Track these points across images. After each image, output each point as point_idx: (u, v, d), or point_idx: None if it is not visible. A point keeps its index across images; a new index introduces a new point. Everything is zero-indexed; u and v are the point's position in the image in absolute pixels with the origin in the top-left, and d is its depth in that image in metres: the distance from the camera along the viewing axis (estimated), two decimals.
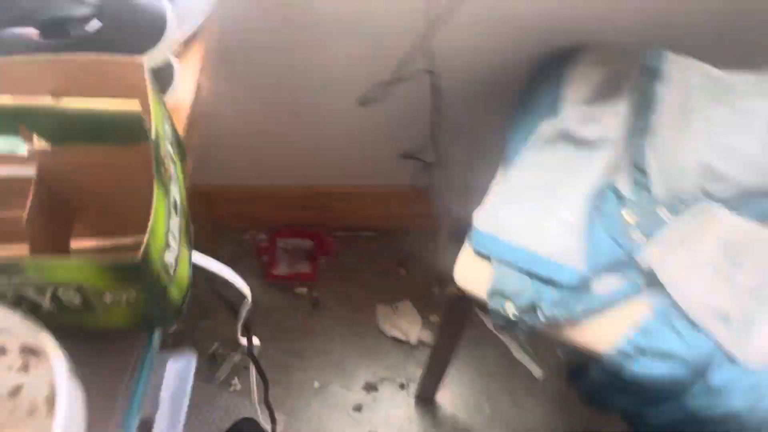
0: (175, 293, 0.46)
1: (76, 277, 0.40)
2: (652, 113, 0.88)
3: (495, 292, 0.81)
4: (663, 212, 0.82)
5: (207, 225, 1.38)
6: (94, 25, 0.53)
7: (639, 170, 0.87)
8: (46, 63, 0.45)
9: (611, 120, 0.89)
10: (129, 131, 0.40)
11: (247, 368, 1.29)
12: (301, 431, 1.21)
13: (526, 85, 0.99)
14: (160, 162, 0.41)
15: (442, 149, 1.22)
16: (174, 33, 0.55)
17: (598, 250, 0.81)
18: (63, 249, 0.48)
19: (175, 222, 0.45)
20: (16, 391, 0.43)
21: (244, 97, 1.14)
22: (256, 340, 0.85)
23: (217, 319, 1.35)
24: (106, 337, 0.48)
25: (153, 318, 0.47)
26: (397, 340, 1.33)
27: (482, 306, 0.83)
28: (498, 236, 0.83)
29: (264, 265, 1.42)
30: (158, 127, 0.42)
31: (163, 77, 0.58)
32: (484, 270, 0.83)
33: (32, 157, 0.43)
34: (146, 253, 0.38)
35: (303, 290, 1.39)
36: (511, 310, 0.80)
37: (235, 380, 1.28)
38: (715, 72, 0.88)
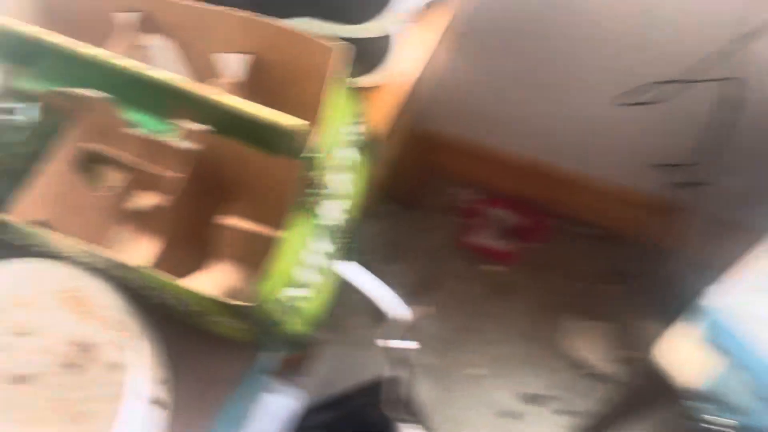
0: (296, 325, 0.39)
1: (193, 298, 0.35)
2: None
3: (713, 396, 0.64)
4: None
5: (416, 171, 1.32)
6: None
7: None
8: (245, 21, 0.39)
9: None
10: (281, 145, 0.32)
11: (413, 328, 1.25)
12: (438, 414, 1.14)
13: None
14: (310, 183, 0.33)
15: (716, 173, 0.99)
16: (400, 5, 0.45)
17: None
18: (205, 221, 0.43)
19: (321, 247, 0.37)
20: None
21: (483, 68, 1.02)
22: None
23: (404, 265, 1.31)
24: (222, 342, 0.43)
25: (265, 344, 0.41)
26: (573, 361, 1.18)
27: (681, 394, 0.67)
28: (746, 335, 0.64)
29: (462, 227, 1.33)
30: (328, 137, 0.34)
31: (375, 51, 0.49)
32: (701, 356, 0.66)
33: (193, 137, 0.39)
34: (259, 298, 0.32)
35: (492, 268, 1.29)
36: (729, 424, 0.63)
37: None
38: None
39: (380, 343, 0.63)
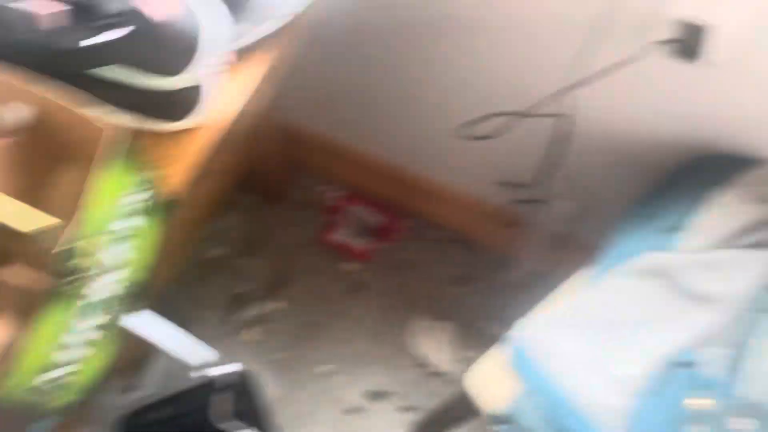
0: (63, 398, 0.38)
1: None
2: None
3: (509, 420, 0.70)
4: (737, 424, 0.66)
5: (280, 165, 1.31)
6: (126, 28, 0.44)
7: (740, 354, 0.69)
8: (24, 87, 0.37)
9: (737, 280, 0.71)
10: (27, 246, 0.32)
11: (263, 323, 1.26)
12: (284, 410, 1.17)
13: (653, 189, 0.81)
14: (68, 273, 0.33)
15: (551, 194, 1.07)
16: (209, 54, 0.45)
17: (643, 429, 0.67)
18: None
19: (89, 323, 0.37)
20: None
21: (345, 72, 1.02)
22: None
23: (261, 258, 1.30)
24: None
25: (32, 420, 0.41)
26: (420, 361, 1.24)
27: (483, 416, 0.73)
28: (542, 366, 0.70)
29: (324, 224, 1.35)
30: (94, 221, 0.34)
31: (185, 100, 0.49)
32: (504, 384, 0.71)
33: None
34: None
35: (351, 267, 1.31)
36: None
37: (248, 331, 1.25)
38: None
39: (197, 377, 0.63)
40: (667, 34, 0.72)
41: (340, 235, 1.33)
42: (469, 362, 1.21)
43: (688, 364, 0.68)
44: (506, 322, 0.76)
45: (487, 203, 1.21)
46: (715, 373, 0.69)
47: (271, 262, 1.30)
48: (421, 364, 1.23)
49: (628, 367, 0.68)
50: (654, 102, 0.84)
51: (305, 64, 1.09)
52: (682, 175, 0.81)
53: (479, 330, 1.26)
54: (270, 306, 1.27)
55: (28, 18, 0.42)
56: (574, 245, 1.04)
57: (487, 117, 0.89)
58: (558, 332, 0.71)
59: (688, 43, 0.70)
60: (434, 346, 1.24)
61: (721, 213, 0.74)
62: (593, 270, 0.77)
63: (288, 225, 1.35)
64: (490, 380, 0.73)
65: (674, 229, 0.74)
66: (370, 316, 1.27)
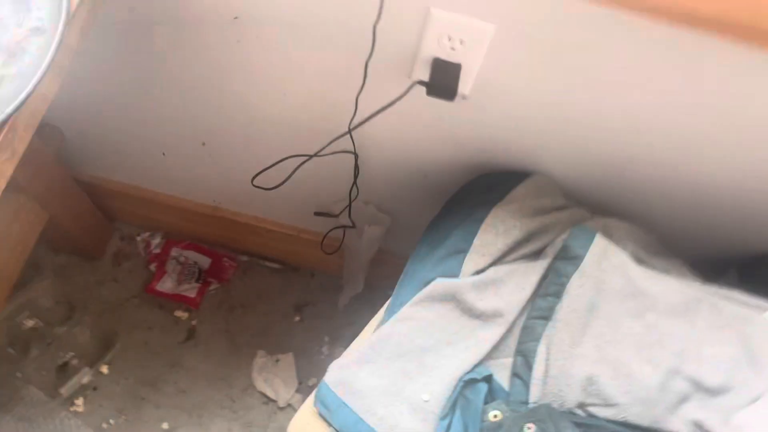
0: None
1: None
2: (559, 301, 0.76)
3: None
4: (529, 429, 0.72)
5: (91, 220, 1.25)
6: None
7: (525, 362, 0.76)
8: None
9: (514, 294, 0.77)
10: None
11: (96, 389, 1.20)
12: None
13: (440, 214, 0.86)
14: None
15: (358, 221, 1.10)
16: None
17: None
18: None
19: None
20: None
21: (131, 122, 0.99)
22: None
23: (82, 323, 1.24)
24: None
25: None
26: (266, 397, 1.23)
27: None
28: (347, 402, 0.73)
29: (150, 273, 1.30)
30: None
31: None
32: (317, 424, 0.73)
33: None
34: None
35: (183, 314, 1.28)
36: None
37: (80, 400, 1.19)
38: (639, 276, 0.76)
39: None
40: (425, 74, 0.76)
41: (167, 284, 1.29)
42: (309, 390, 1.24)
43: (481, 380, 0.74)
44: (343, 343, 0.79)
45: (309, 231, 1.23)
46: (506, 384, 0.75)
47: (95, 324, 1.24)
48: (269, 400, 1.23)
49: (428, 393, 0.72)
50: (425, 132, 0.89)
51: (91, 117, 1.05)
52: (463, 198, 0.87)
53: (320, 354, 1.28)
54: (100, 370, 1.21)
55: None
56: (390, 263, 1.09)
57: (280, 161, 0.91)
58: (361, 369, 0.74)
59: (444, 81, 0.75)
60: (279, 380, 1.24)
61: (498, 230, 0.80)
62: (393, 301, 0.80)
63: (109, 281, 1.29)
64: (308, 427, 0.74)
65: (460, 252, 0.80)
66: (210, 361, 1.25)
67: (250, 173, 0.94)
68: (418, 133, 0.90)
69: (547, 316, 0.76)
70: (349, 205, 1.04)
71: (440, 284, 0.77)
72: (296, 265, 1.34)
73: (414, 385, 0.73)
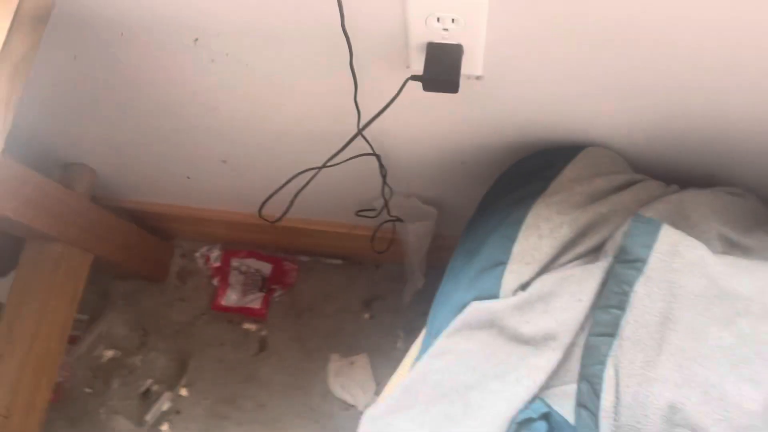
0: None
1: None
2: (624, 313, 0.62)
3: None
4: None
5: (147, 243, 1.23)
6: None
7: (591, 389, 0.63)
8: None
9: (568, 308, 0.64)
10: None
11: (179, 413, 1.21)
12: None
13: (472, 220, 0.74)
14: None
15: (404, 215, 1.00)
16: None
17: None
18: None
19: None
20: None
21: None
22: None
23: (157, 348, 1.24)
24: None
25: None
26: (345, 403, 1.18)
27: None
28: None
29: (214, 288, 1.28)
30: None
31: None
32: None
33: None
34: None
35: (252, 326, 1.25)
36: None
37: (166, 426, 1.20)
38: (724, 274, 0.60)
39: None
40: (421, 63, 0.63)
41: (231, 297, 1.26)
42: None
43: (538, 419, 0.62)
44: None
45: (361, 227, 1.14)
46: (570, 416, 0.63)
47: (169, 347, 1.24)
48: (349, 406, 1.18)
49: None
50: (448, 119, 0.76)
51: (113, 151, 1.01)
52: (500, 192, 0.74)
53: (395, 351, 1.21)
54: (179, 393, 1.21)
55: None
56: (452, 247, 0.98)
57: (286, 183, 0.81)
58: (396, 418, 0.65)
59: (443, 70, 0.62)
60: (356, 385, 1.19)
61: (541, 232, 0.67)
62: (428, 330, 0.70)
63: (176, 301, 1.28)
64: None
65: (497, 264, 0.67)
66: (284, 371, 1.21)
67: (275, 183, 0.85)
68: (440, 122, 0.77)
69: (611, 333, 0.63)
70: (386, 204, 0.94)
71: (476, 309, 0.65)
72: (359, 259, 1.26)
73: (459, 431, 0.63)
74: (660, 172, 0.77)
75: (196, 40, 0.67)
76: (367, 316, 1.24)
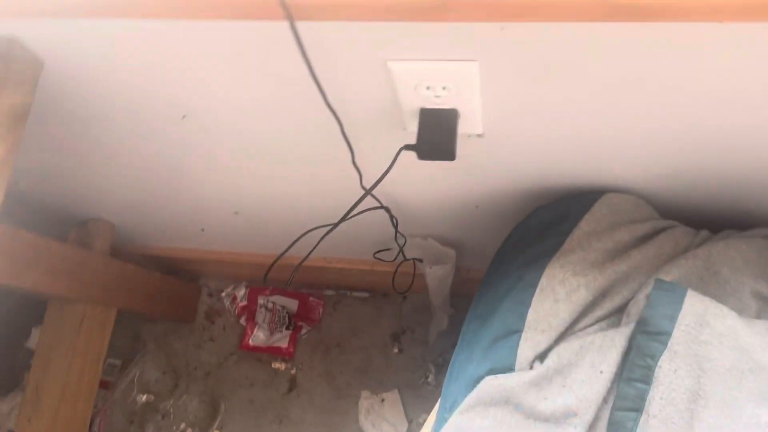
0: None
1: None
2: (649, 388, 0.58)
3: None
4: None
5: (173, 286, 1.23)
6: None
7: None
8: None
9: (588, 380, 0.60)
10: None
11: None
12: None
13: (490, 269, 0.70)
14: None
15: (424, 255, 0.96)
16: None
17: None
18: None
19: None
20: None
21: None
22: None
23: (189, 390, 1.24)
24: None
25: None
26: None
27: None
28: None
29: (242, 328, 1.27)
30: None
31: None
32: None
33: None
34: None
35: (281, 365, 1.24)
36: None
37: None
38: (757, 345, 0.55)
39: None
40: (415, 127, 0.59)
41: (259, 336, 1.24)
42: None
43: None
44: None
45: (382, 263, 1.11)
46: None
47: (201, 389, 1.23)
48: None
49: None
50: (455, 171, 0.72)
51: (129, 206, 1.00)
52: (512, 250, 0.69)
53: (426, 386, 1.18)
54: None
55: None
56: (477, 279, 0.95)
57: (287, 249, 0.79)
58: None
59: (438, 136, 0.58)
60: (387, 424, 1.16)
61: (557, 296, 0.63)
62: (442, 404, 0.67)
63: (206, 341, 1.27)
64: None
65: (512, 332, 0.63)
66: (315, 410, 1.20)
67: (290, 231, 0.83)
68: (445, 176, 0.73)
69: (637, 408, 0.58)
70: (400, 251, 0.90)
71: (490, 385, 0.62)
72: (384, 291, 1.23)
73: None
74: (689, 213, 0.72)
75: (185, 116, 0.65)
76: (396, 350, 1.21)
